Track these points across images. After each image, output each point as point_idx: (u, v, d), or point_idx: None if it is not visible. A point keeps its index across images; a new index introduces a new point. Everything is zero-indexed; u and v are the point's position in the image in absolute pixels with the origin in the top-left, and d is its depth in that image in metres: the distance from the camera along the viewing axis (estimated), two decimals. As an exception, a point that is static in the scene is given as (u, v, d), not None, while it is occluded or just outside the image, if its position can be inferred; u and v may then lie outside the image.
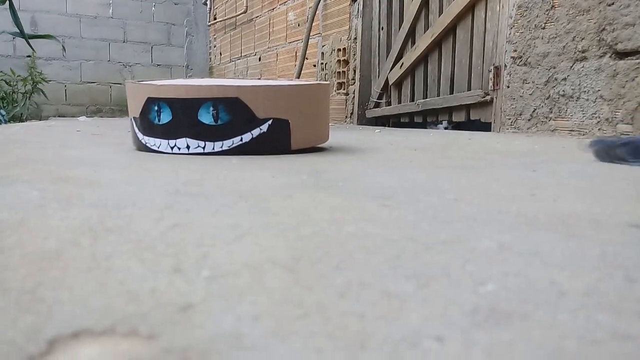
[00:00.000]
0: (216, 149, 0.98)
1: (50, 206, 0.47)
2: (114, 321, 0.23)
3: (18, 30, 3.30)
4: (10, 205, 0.47)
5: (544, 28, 1.61)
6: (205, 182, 0.63)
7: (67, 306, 0.24)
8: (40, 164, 0.79)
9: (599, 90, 1.46)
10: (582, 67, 1.51)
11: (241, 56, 4.11)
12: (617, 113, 1.42)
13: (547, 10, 1.60)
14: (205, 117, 0.97)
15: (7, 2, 3.30)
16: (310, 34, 2.84)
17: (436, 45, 2.18)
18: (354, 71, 2.65)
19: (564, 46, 1.55)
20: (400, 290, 0.27)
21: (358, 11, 2.60)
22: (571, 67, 1.54)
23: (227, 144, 0.99)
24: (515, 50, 1.72)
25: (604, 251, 0.35)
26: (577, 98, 1.53)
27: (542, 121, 1.64)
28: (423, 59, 2.27)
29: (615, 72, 1.42)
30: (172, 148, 0.99)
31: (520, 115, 1.72)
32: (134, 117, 1.05)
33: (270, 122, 1.00)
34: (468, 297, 0.26)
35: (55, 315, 0.23)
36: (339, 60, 2.73)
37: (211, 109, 0.97)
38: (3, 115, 3.23)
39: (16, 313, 0.23)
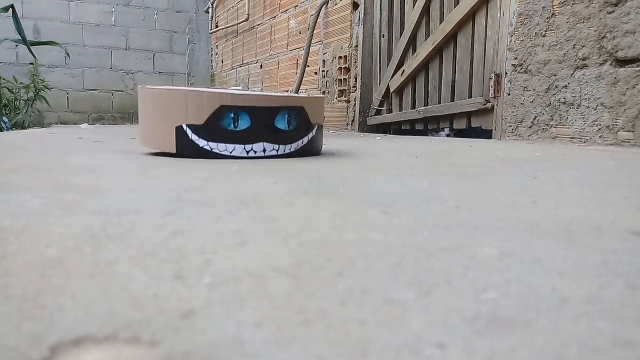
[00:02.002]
0: (286, 151, 1.14)
1: (52, 213, 0.47)
2: (116, 327, 0.23)
3: (20, 38, 3.32)
4: (12, 212, 0.47)
5: (544, 36, 1.61)
6: (207, 189, 0.63)
7: (69, 312, 0.24)
8: (43, 171, 0.79)
9: (599, 97, 1.46)
10: (583, 74, 1.51)
11: (243, 63, 4.13)
12: (617, 120, 1.42)
13: (547, 18, 1.60)
14: (281, 123, 1.12)
15: (11, 10, 3.32)
16: (312, 42, 2.85)
17: (437, 52, 2.19)
18: (355, 79, 2.66)
19: (564, 54, 1.56)
20: (401, 297, 0.27)
21: (359, 19, 2.61)
22: (572, 74, 1.54)
23: (294, 146, 1.15)
24: (515, 58, 1.72)
25: (606, 258, 0.35)
26: (578, 105, 1.53)
27: (543, 128, 1.65)
28: (424, 66, 2.28)
29: (615, 79, 1.42)
30: (247, 152, 1.09)
31: (521, 122, 1.73)
32: (188, 125, 1.08)
33: (316, 127, 1.21)
34: (469, 304, 0.26)
35: (58, 321, 0.23)
36: (340, 68, 2.74)
37: (287, 116, 1.12)
38: (5, 123, 3.24)
39: (19, 319, 0.23)
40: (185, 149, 1.09)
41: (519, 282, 0.30)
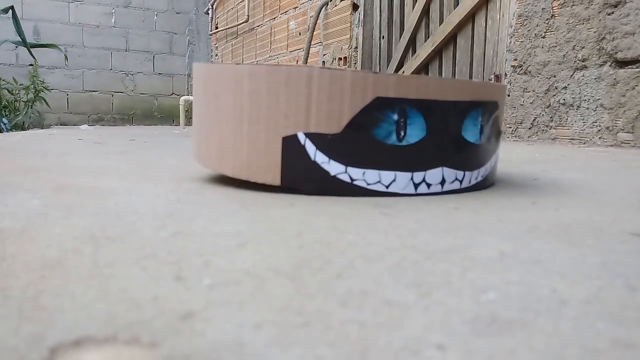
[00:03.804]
0: (472, 182, 0.65)
1: (52, 214, 0.47)
2: (115, 329, 0.23)
3: (20, 39, 3.33)
4: (12, 213, 0.47)
5: (544, 37, 1.62)
6: (207, 191, 0.63)
7: (68, 314, 0.24)
8: (42, 172, 0.79)
9: (599, 98, 1.46)
10: (583, 75, 1.51)
11: (242, 65, 4.13)
12: (617, 122, 1.42)
13: (547, 20, 1.60)
14: (471, 131, 0.63)
15: (10, 11, 3.33)
16: (312, 43, 2.86)
17: (437, 54, 2.19)
18: (355, 80, 2.65)
19: (564, 55, 1.56)
20: (401, 298, 0.27)
21: (359, 20, 2.61)
22: (571, 75, 1.55)
23: (481, 172, 0.66)
24: (515, 59, 1.72)
25: (605, 259, 0.35)
26: (578, 107, 1.53)
27: (543, 130, 1.65)
28: (424, 67, 2.28)
29: (615, 80, 1.42)
30: (416, 186, 0.61)
31: (520, 123, 1.73)
32: (311, 135, 0.58)
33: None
34: (469, 305, 0.26)
35: (57, 322, 0.23)
36: (340, 69, 2.74)
37: (480, 118, 0.63)
38: (5, 124, 3.25)
39: (18, 321, 0.23)
40: (299, 179, 0.60)
41: (518, 283, 0.30)
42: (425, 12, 2.23)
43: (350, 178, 0.59)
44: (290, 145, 0.59)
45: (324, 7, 2.82)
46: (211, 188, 0.65)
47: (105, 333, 0.22)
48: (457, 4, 2.04)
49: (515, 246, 0.38)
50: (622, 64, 1.40)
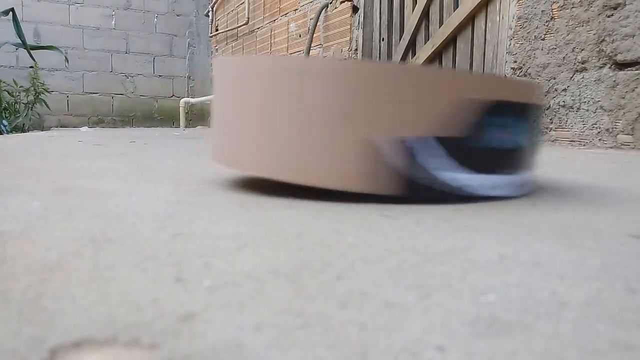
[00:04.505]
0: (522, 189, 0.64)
1: (52, 217, 0.47)
2: (116, 331, 0.23)
3: (21, 41, 3.33)
4: (12, 215, 0.47)
5: (543, 39, 1.62)
6: (207, 192, 0.63)
7: (69, 316, 0.24)
8: (42, 174, 0.79)
9: (599, 100, 1.47)
10: (582, 77, 1.51)
11: (242, 67, 4.13)
12: (617, 123, 1.42)
13: (546, 22, 1.61)
14: (523, 133, 0.61)
15: (11, 14, 3.33)
16: (312, 45, 2.86)
17: (437, 56, 2.20)
18: (355, 82, 2.66)
19: (563, 57, 1.56)
20: (401, 300, 0.27)
21: (359, 22, 2.61)
22: (571, 77, 1.55)
23: (527, 177, 0.65)
24: (515, 61, 1.72)
25: (605, 261, 0.35)
26: (578, 109, 1.53)
27: (543, 132, 1.65)
28: (424, 69, 2.28)
29: (615, 82, 1.42)
30: (513, 189, 0.61)
31: (520, 125, 1.73)
32: (421, 138, 0.54)
33: None
34: (469, 307, 0.26)
35: (58, 324, 0.23)
36: (340, 71, 2.74)
37: (528, 120, 0.62)
38: (5, 126, 3.25)
39: (19, 323, 0.23)
40: (407, 184, 0.55)
41: (518, 285, 0.30)
42: (425, 14, 2.23)
43: (460, 183, 0.57)
44: (399, 149, 0.54)
45: (324, 9, 2.82)
46: (211, 190, 0.65)
47: (105, 335, 0.22)
48: (457, 6, 2.04)
49: (515, 248, 0.38)
50: (622, 66, 1.40)
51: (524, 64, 1.69)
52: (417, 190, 0.55)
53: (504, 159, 0.59)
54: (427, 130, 0.54)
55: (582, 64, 1.51)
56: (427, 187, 0.55)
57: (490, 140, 0.57)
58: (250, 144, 0.59)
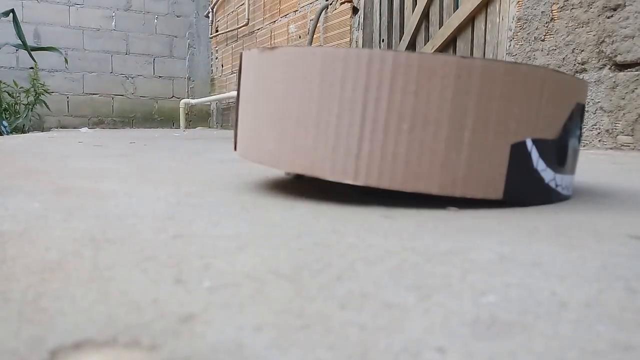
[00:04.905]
0: (571, 190, 0.64)
1: (52, 217, 0.47)
2: (116, 331, 0.23)
3: (21, 42, 3.33)
4: (12, 216, 0.47)
5: (543, 40, 1.62)
6: (207, 193, 0.63)
7: (69, 316, 0.24)
8: (42, 174, 0.79)
9: (599, 101, 1.47)
10: (582, 78, 1.52)
11: (243, 68, 4.13)
12: (617, 124, 1.42)
13: (546, 23, 1.61)
14: (574, 135, 0.61)
15: (11, 15, 3.33)
16: (312, 46, 2.86)
17: (436, 57, 2.20)
18: (355, 83, 2.66)
19: (563, 58, 1.56)
20: (401, 301, 0.27)
21: (359, 23, 2.61)
22: (571, 78, 1.55)
23: (573, 179, 0.65)
24: (515, 62, 1.73)
25: (605, 262, 0.35)
26: (578, 109, 1.53)
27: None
28: (423, 70, 2.28)
29: (615, 83, 1.42)
30: (569, 189, 0.62)
31: (520, 126, 1.73)
32: (535, 140, 0.54)
33: None
34: (469, 307, 0.26)
35: (57, 325, 0.23)
36: (340, 72, 2.74)
37: (580, 121, 0.63)
38: (5, 127, 3.25)
39: (18, 323, 0.23)
40: (522, 189, 0.55)
41: (518, 285, 0.30)
42: (425, 15, 2.23)
43: (556, 184, 0.57)
44: (518, 153, 0.53)
45: (324, 11, 2.83)
46: (211, 190, 0.65)
47: (105, 336, 0.22)
48: (457, 7, 2.04)
49: (515, 249, 0.38)
50: (622, 67, 1.40)
51: (523, 65, 1.69)
52: (522, 192, 0.55)
53: (575, 159, 0.62)
54: (542, 132, 0.54)
55: (582, 65, 1.51)
56: (532, 190, 0.55)
57: (573, 141, 0.59)
58: (301, 143, 0.54)
